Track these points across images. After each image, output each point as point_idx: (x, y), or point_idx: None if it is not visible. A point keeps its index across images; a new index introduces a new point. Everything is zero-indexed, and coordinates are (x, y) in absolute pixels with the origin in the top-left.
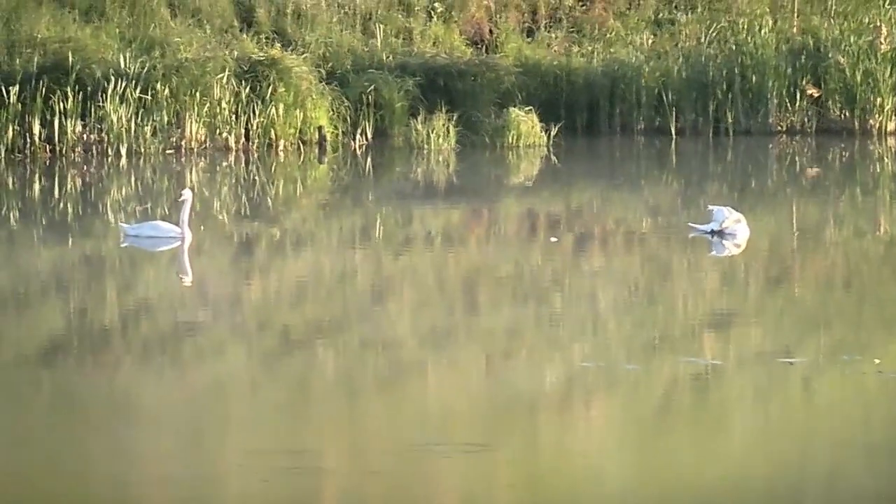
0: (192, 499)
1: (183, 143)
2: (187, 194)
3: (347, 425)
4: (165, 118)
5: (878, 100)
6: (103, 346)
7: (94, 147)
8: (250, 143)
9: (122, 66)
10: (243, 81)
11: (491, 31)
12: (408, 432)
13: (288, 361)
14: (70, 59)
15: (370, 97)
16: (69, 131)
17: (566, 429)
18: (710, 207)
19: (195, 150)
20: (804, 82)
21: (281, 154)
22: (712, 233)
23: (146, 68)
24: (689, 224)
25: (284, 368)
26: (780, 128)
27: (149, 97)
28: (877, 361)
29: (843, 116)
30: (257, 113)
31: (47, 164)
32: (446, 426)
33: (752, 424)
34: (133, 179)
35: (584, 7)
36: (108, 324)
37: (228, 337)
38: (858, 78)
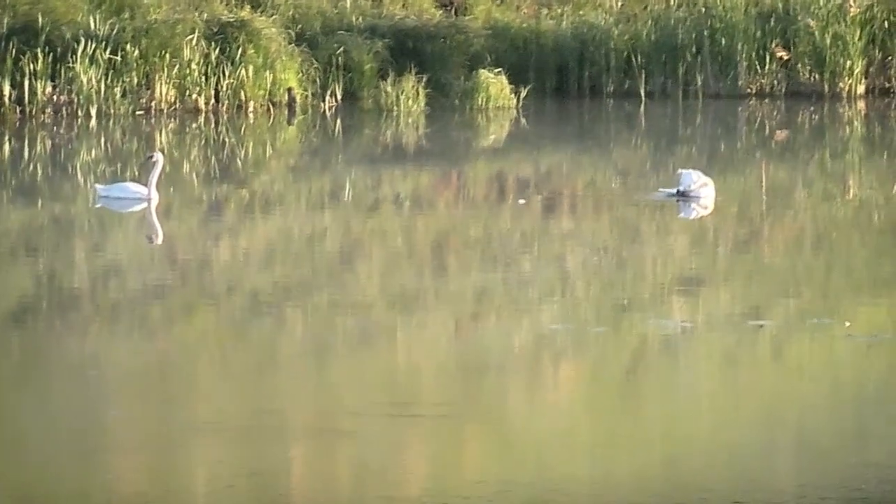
0: (157, 463)
1: (153, 104)
2: (158, 157)
3: (315, 387)
4: (135, 80)
5: (848, 63)
6: (70, 308)
7: (63, 108)
8: (220, 105)
9: (92, 27)
10: (213, 43)
11: None
12: (376, 394)
13: (256, 323)
14: (40, 20)
15: (339, 59)
16: (39, 93)
17: (534, 391)
18: (679, 171)
19: (165, 111)
20: (774, 45)
21: (250, 116)
22: (678, 193)
23: (116, 30)
24: (659, 189)
25: (252, 330)
26: (749, 91)
27: (118, 59)
28: (846, 324)
29: (812, 79)
30: (227, 75)
31: (17, 125)
32: (414, 388)
33: (721, 387)
34: (103, 141)
35: None
36: (75, 286)
37: (196, 299)
38: (828, 41)
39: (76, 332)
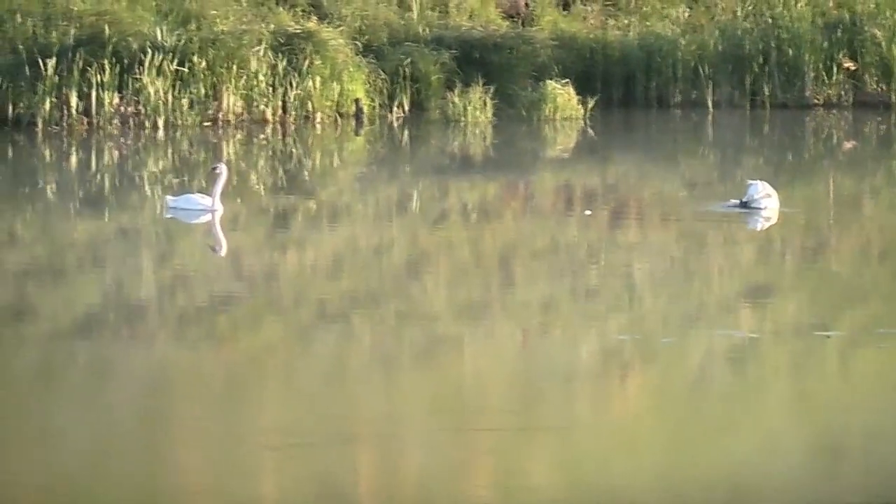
0: (225, 475)
1: (220, 115)
2: (222, 168)
3: (382, 399)
4: (202, 91)
5: None
6: (137, 320)
7: (130, 119)
8: (287, 116)
9: (159, 38)
10: (280, 54)
11: (527, 5)
12: (443, 406)
13: (323, 335)
14: (106, 31)
15: (406, 70)
16: (106, 104)
17: (601, 403)
18: (748, 182)
19: (232, 122)
20: (840, 56)
21: (318, 126)
22: (742, 204)
23: (182, 41)
24: (730, 200)
25: (319, 342)
26: (816, 101)
27: (185, 70)
28: None
29: (879, 90)
30: (294, 85)
31: (84, 136)
32: (481, 400)
33: (789, 397)
34: (170, 152)
35: None
36: (142, 297)
37: (263, 310)
38: (895, 51)
39: (143, 343)
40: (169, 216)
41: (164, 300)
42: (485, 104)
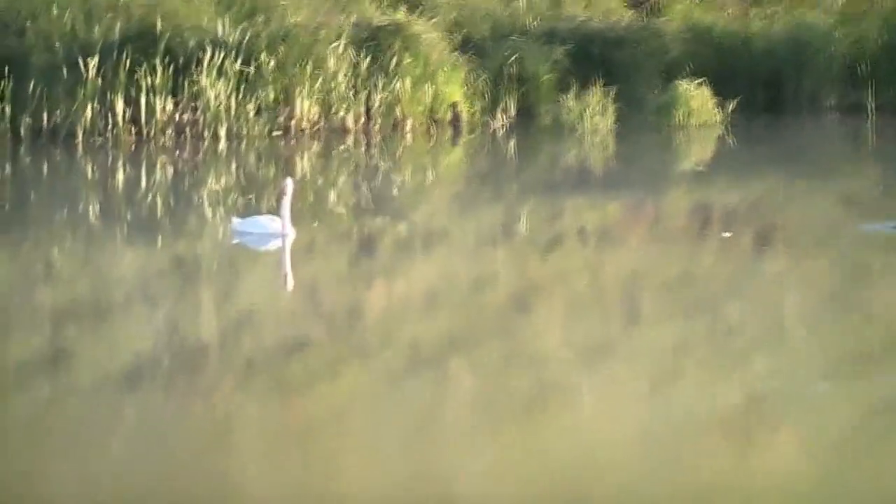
0: None
1: (292, 123)
2: (287, 183)
3: (485, 461)
4: (271, 95)
5: None
6: (196, 368)
7: (187, 129)
8: (371, 124)
9: (220, 34)
10: (363, 51)
11: None
12: (558, 470)
13: (414, 385)
14: (159, 25)
15: (512, 69)
16: (158, 110)
17: (746, 465)
18: None
19: (307, 131)
20: None
21: (408, 136)
22: None
23: (248, 37)
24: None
25: (410, 393)
26: None
27: (251, 70)
28: None
29: None
30: (379, 88)
31: (133, 149)
32: (603, 463)
33: None
34: (234, 167)
35: None
36: (201, 341)
37: (344, 355)
38: None
39: (203, 395)
40: (235, 241)
41: (227, 344)
42: (605, 109)
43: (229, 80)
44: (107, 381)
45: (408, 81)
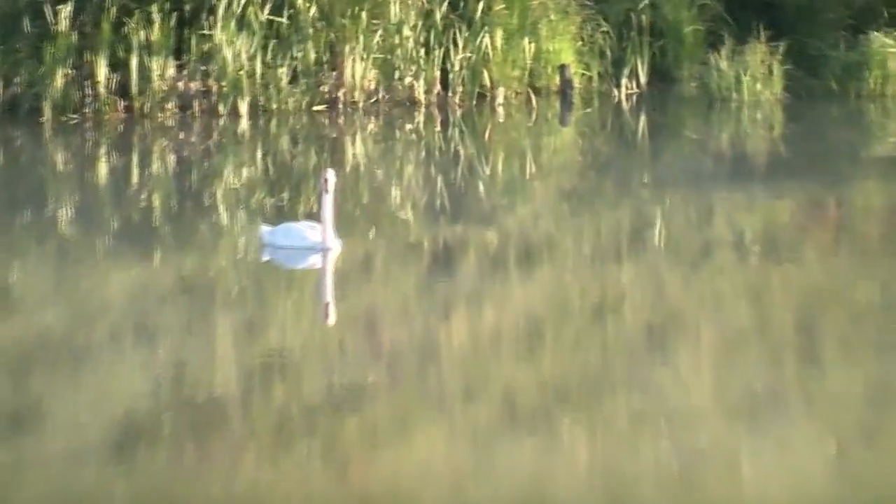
0: None
1: (340, 94)
2: (330, 178)
3: None
4: (312, 55)
5: None
6: (210, 429)
7: (195, 102)
8: (449, 94)
9: None
10: None
11: None
12: None
13: (511, 451)
14: None
15: (643, 18)
16: (155, 77)
17: None
18: None
19: (360, 105)
20: None
21: (499, 111)
22: None
23: None
24: None
25: (504, 463)
26: None
27: (284, 21)
28: None
29: None
30: (460, 46)
31: (121, 128)
32: None
33: None
34: (260, 154)
35: None
36: (216, 392)
37: (411, 412)
38: None
39: (219, 463)
40: (263, 259)
41: (250, 399)
42: (770, 72)
43: (253, 35)
44: (86, 450)
45: (499, 36)
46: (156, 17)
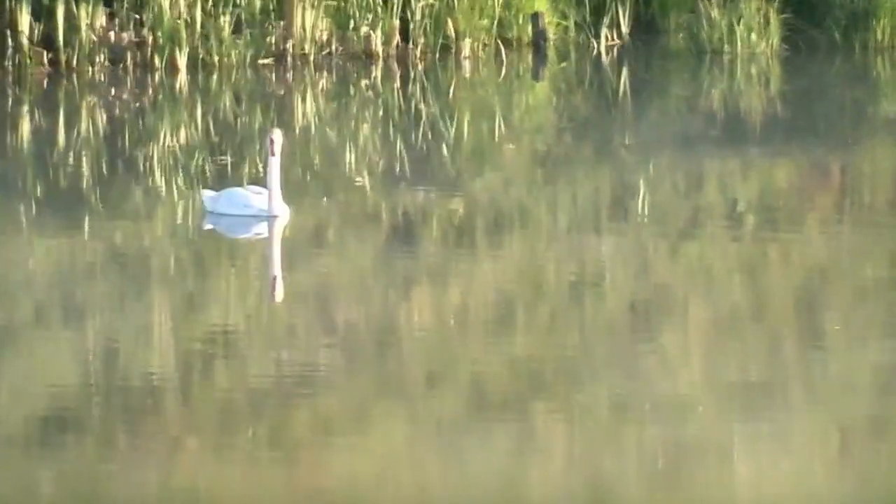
0: None
1: (289, 46)
2: (276, 139)
3: None
4: (257, 3)
5: None
6: (143, 416)
7: (128, 54)
8: (409, 46)
9: None
10: None
11: None
12: None
13: (479, 441)
14: None
15: None
16: (83, 27)
17: None
18: None
19: (311, 58)
20: None
21: (464, 64)
22: None
23: None
24: None
25: (472, 452)
26: None
27: None
28: None
29: None
30: None
31: (45, 84)
32: None
33: None
34: (200, 112)
35: None
36: (152, 375)
37: (365, 398)
38: None
39: (155, 456)
40: (207, 226)
41: (189, 384)
42: (767, 21)
43: None
44: (4, 440)
45: None
46: None
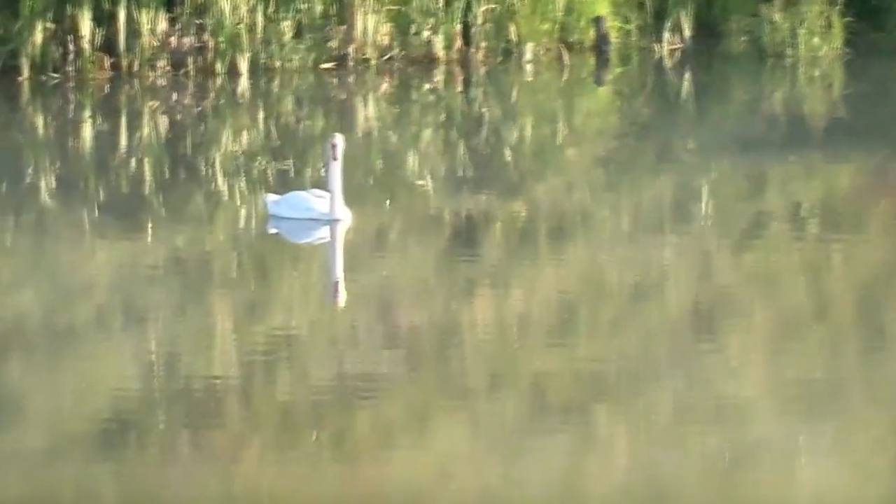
0: None
1: (350, 50)
2: (338, 143)
3: None
4: (318, 7)
5: None
6: (206, 421)
7: (190, 60)
8: (471, 50)
9: None
10: None
11: None
12: None
13: (541, 445)
14: None
15: None
16: (145, 31)
17: None
18: None
19: (372, 63)
20: None
21: (527, 69)
22: None
23: None
24: None
25: (534, 456)
26: None
27: None
28: None
29: None
30: None
31: (107, 89)
32: None
33: None
34: (262, 116)
35: None
36: (214, 381)
37: (430, 404)
38: None
39: (217, 460)
40: (270, 230)
41: (250, 389)
42: (829, 24)
43: None
44: (69, 443)
45: None
46: None
